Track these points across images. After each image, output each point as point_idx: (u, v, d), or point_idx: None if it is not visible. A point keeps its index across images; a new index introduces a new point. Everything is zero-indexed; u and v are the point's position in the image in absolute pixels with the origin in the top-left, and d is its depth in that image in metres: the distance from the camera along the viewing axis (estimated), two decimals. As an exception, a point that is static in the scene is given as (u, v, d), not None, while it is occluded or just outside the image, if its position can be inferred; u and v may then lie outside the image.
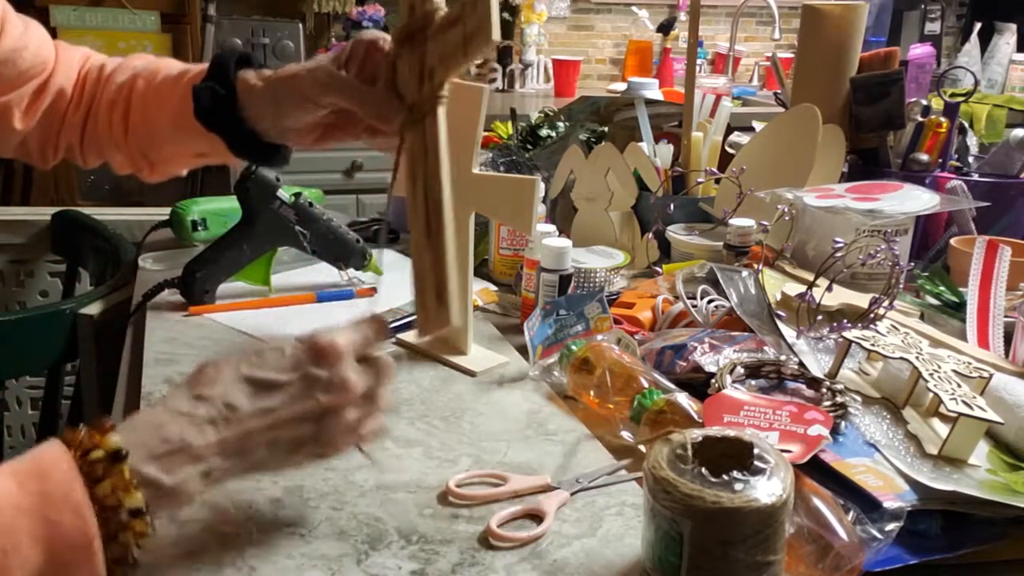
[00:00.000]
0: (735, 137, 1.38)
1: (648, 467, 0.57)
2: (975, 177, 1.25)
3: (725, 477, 0.54)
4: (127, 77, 0.87)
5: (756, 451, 0.57)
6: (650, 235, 1.15)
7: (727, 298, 0.92)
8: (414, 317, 1.02)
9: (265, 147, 0.81)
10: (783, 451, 0.64)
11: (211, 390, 0.57)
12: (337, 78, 0.75)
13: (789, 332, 0.86)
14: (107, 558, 0.50)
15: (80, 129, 0.89)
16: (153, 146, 0.87)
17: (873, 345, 0.77)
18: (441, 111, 0.67)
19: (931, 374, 0.73)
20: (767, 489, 0.54)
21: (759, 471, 0.55)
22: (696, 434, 0.59)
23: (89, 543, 0.49)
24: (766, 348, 0.84)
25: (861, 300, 0.92)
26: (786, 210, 1.01)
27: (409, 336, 0.99)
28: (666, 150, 1.33)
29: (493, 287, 1.17)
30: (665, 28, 3.27)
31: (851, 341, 0.78)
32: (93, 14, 2.49)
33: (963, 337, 0.91)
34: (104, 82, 0.88)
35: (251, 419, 0.57)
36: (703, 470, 0.55)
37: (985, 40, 3.29)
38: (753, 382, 0.79)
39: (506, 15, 3.06)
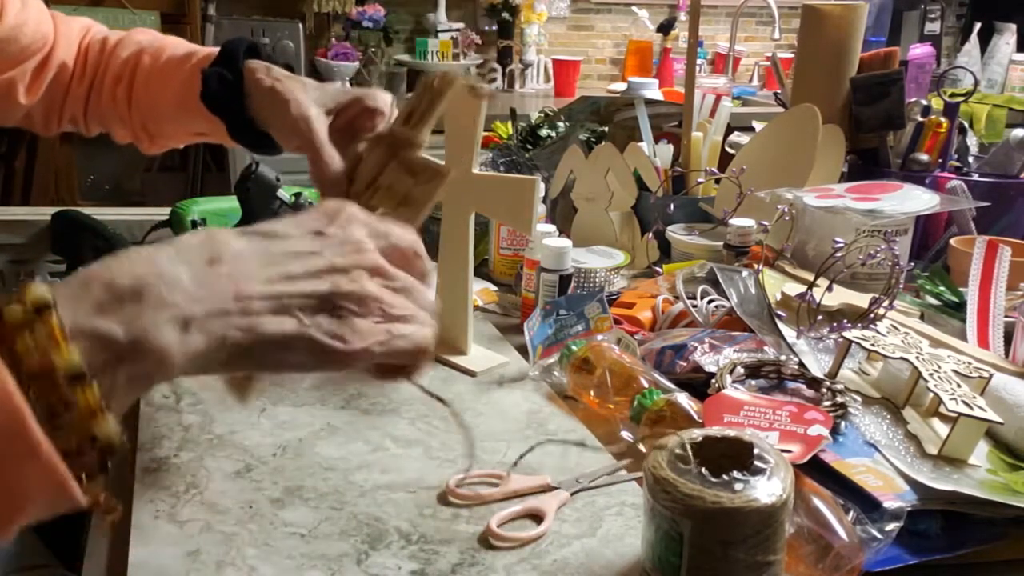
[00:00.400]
0: (735, 137, 1.38)
1: (648, 467, 0.57)
2: (975, 177, 1.25)
3: (725, 477, 0.54)
4: (132, 52, 0.87)
5: (756, 451, 0.57)
6: (650, 235, 1.15)
7: (727, 298, 0.92)
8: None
9: (263, 134, 0.81)
10: (783, 451, 0.64)
11: (190, 239, 0.45)
12: (310, 136, 0.73)
13: (789, 332, 0.86)
14: (59, 451, 0.37)
15: (84, 101, 0.90)
16: (154, 121, 0.88)
17: (873, 345, 0.77)
18: None
19: (931, 374, 0.73)
20: (767, 489, 0.54)
21: (759, 471, 0.55)
22: (696, 434, 0.59)
23: (20, 423, 0.36)
24: (766, 348, 0.84)
25: (861, 300, 0.91)
26: (786, 210, 1.01)
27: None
28: (666, 150, 1.33)
29: (493, 287, 1.17)
30: (665, 28, 3.27)
31: (851, 341, 0.78)
32: (93, 14, 2.47)
33: (963, 337, 0.91)
34: (108, 55, 0.89)
35: (246, 262, 0.44)
36: (703, 470, 0.55)
37: (985, 40, 3.29)
38: (753, 382, 0.79)
39: (506, 15, 3.06)
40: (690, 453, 0.57)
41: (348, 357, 0.47)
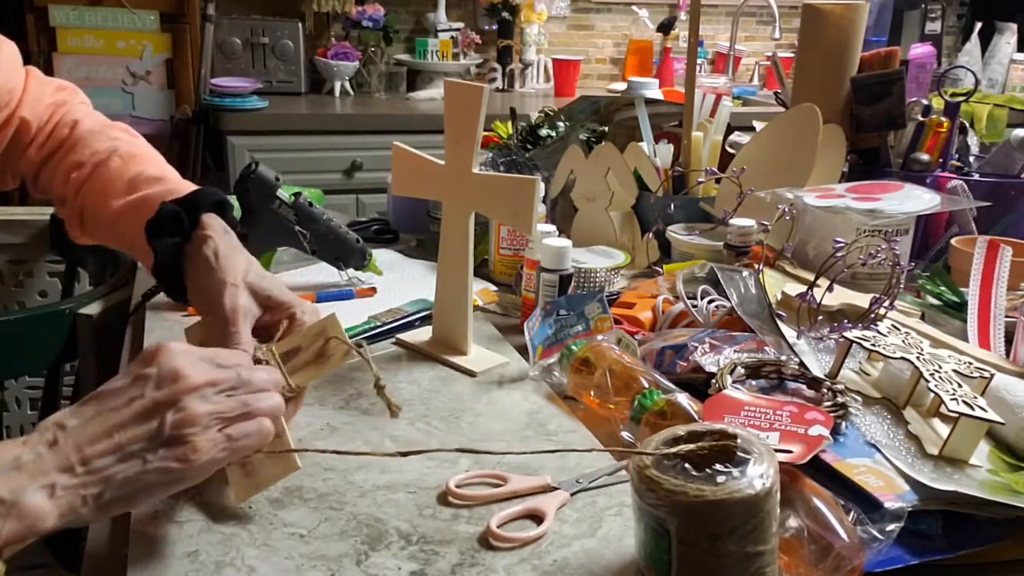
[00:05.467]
0: (735, 137, 1.38)
1: (634, 466, 0.57)
2: (976, 177, 1.25)
3: (708, 471, 0.54)
4: (104, 148, 0.87)
5: (739, 442, 0.57)
6: (650, 235, 1.15)
7: (727, 298, 0.92)
8: (414, 317, 1.03)
9: (180, 282, 0.80)
10: (784, 451, 0.64)
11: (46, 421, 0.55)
12: (232, 328, 0.72)
13: (790, 332, 0.86)
14: None
15: (37, 168, 0.90)
16: (92, 218, 0.87)
17: (874, 345, 0.76)
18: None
19: (932, 374, 0.73)
20: (750, 479, 0.54)
21: (742, 462, 0.55)
22: (680, 430, 0.59)
23: None
24: (766, 348, 0.84)
25: (862, 300, 0.91)
26: (786, 210, 1.01)
27: (408, 336, 0.99)
28: (666, 150, 1.33)
29: (493, 287, 1.17)
30: (665, 28, 3.27)
31: (852, 341, 0.78)
32: (92, 14, 2.49)
33: (964, 337, 0.90)
34: (76, 140, 0.88)
35: (84, 428, 0.54)
36: (686, 465, 0.55)
37: (986, 40, 3.29)
38: (753, 382, 0.79)
39: (506, 14, 3.05)
40: (673, 449, 0.57)
41: (196, 472, 0.57)
